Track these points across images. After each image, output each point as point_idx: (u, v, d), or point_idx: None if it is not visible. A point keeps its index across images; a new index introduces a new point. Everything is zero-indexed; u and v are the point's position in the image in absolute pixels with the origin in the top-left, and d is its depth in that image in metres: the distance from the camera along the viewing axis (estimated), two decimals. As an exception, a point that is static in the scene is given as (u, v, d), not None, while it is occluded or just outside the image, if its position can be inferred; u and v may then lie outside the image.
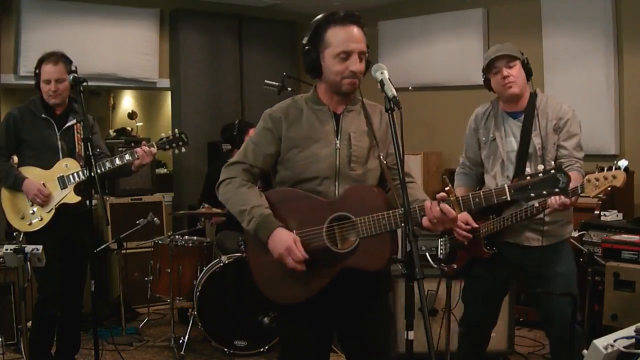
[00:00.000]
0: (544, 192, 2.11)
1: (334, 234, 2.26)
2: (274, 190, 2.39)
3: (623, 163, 2.77)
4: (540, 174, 2.11)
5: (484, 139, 3.19)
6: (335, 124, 2.34)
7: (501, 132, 3.11)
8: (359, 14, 2.29)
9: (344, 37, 2.24)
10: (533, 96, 3.10)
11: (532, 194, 2.12)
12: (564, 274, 3.07)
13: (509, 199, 2.16)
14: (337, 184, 2.31)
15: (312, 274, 2.24)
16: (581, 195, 2.81)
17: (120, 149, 5.60)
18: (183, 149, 3.80)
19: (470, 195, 2.19)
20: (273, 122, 2.35)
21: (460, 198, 2.18)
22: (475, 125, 3.23)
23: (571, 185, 2.33)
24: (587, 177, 2.80)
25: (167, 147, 3.75)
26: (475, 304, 3.27)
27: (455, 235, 3.10)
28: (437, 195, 2.19)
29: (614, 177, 2.75)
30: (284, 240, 2.21)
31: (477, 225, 3.05)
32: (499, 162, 3.12)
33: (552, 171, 2.10)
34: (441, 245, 3.36)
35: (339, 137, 2.33)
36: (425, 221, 2.20)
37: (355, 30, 2.26)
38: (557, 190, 2.10)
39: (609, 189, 2.74)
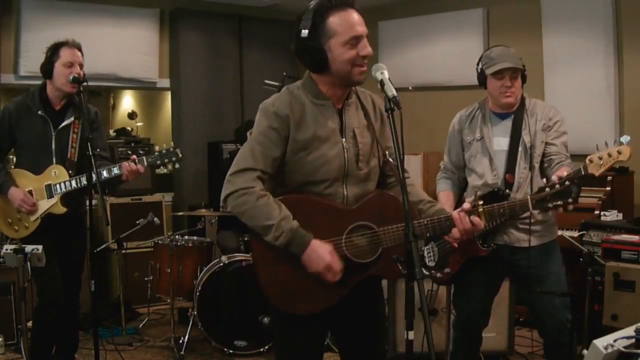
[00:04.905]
0: (560, 203, 2.34)
1: (353, 243, 2.20)
2: (286, 197, 2.20)
3: (625, 138, 2.81)
4: (557, 186, 2.33)
5: (469, 138, 3.20)
6: (339, 120, 2.21)
7: (489, 131, 3.14)
8: None
9: (350, 22, 2.09)
10: (523, 99, 3.14)
11: (550, 205, 2.35)
12: (555, 273, 3.11)
13: (531, 210, 2.40)
14: (345, 185, 2.21)
15: (331, 285, 2.16)
16: (585, 175, 2.86)
17: (120, 149, 5.62)
18: (177, 165, 3.55)
19: (496, 207, 2.34)
20: (280, 121, 2.15)
21: (485, 209, 2.30)
22: (460, 127, 3.25)
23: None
24: (589, 157, 2.84)
25: (159, 162, 3.49)
26: (470, 306, 3.25)
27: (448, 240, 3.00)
28: (464, 207, 2.28)
29: (619, 152, 2.80)
30: (322, 257, 2.10)
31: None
32: (485, 160, 3.13)
33: (567, 182, 2.33)
34: (428, 252, 3.29)
35: (344, 135, 2.20)
36: (455, 232, 2.28)
37: (355, 13, 2.12)
38: (569, 200, 2.33)
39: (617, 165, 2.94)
